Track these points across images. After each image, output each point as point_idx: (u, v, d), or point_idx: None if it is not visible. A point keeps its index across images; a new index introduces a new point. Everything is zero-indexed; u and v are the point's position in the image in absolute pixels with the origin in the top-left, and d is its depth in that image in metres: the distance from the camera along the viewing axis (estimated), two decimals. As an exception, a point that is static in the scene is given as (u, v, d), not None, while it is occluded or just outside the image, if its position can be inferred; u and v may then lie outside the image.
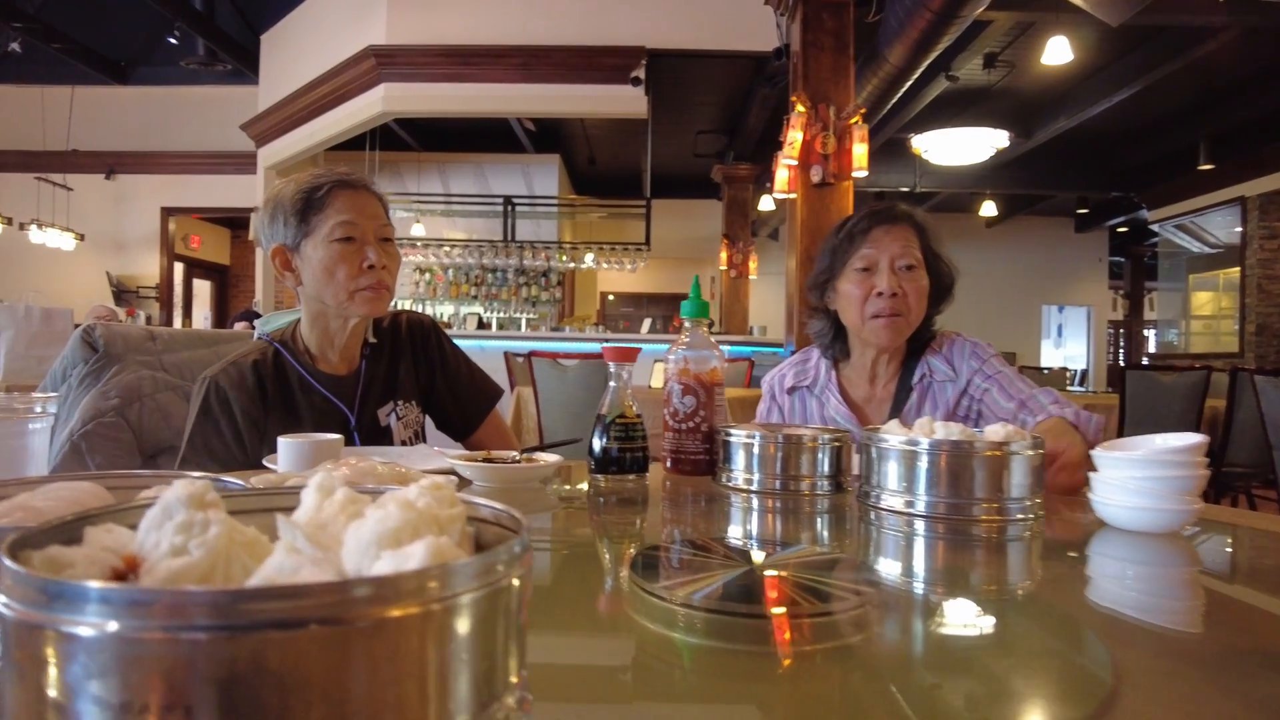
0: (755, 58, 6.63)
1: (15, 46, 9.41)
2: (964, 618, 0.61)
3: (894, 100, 6.62)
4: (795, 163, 5.13)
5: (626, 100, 6.74)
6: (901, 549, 0.83)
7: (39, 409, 0.83)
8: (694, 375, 1.08)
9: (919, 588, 0.69)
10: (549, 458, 1.09)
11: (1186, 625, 0.63)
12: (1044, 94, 8.28)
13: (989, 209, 10.71)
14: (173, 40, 9.16)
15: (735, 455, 1.04)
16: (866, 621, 0.56)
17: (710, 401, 1.08)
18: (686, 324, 1.13)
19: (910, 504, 0.91)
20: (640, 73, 6.64)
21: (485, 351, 7.12)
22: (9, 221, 9.53)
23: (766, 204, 9.53)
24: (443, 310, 10.10)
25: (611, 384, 1.06)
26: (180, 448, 1.41)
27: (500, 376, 6.11)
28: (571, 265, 9.34)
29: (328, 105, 7.62)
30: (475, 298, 10.00)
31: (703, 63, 7.08)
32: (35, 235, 9.57)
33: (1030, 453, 0.90)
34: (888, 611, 0.59)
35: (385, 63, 6.85)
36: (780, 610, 0.55)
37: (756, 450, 1.02)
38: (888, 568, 0.76)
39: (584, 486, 1.11)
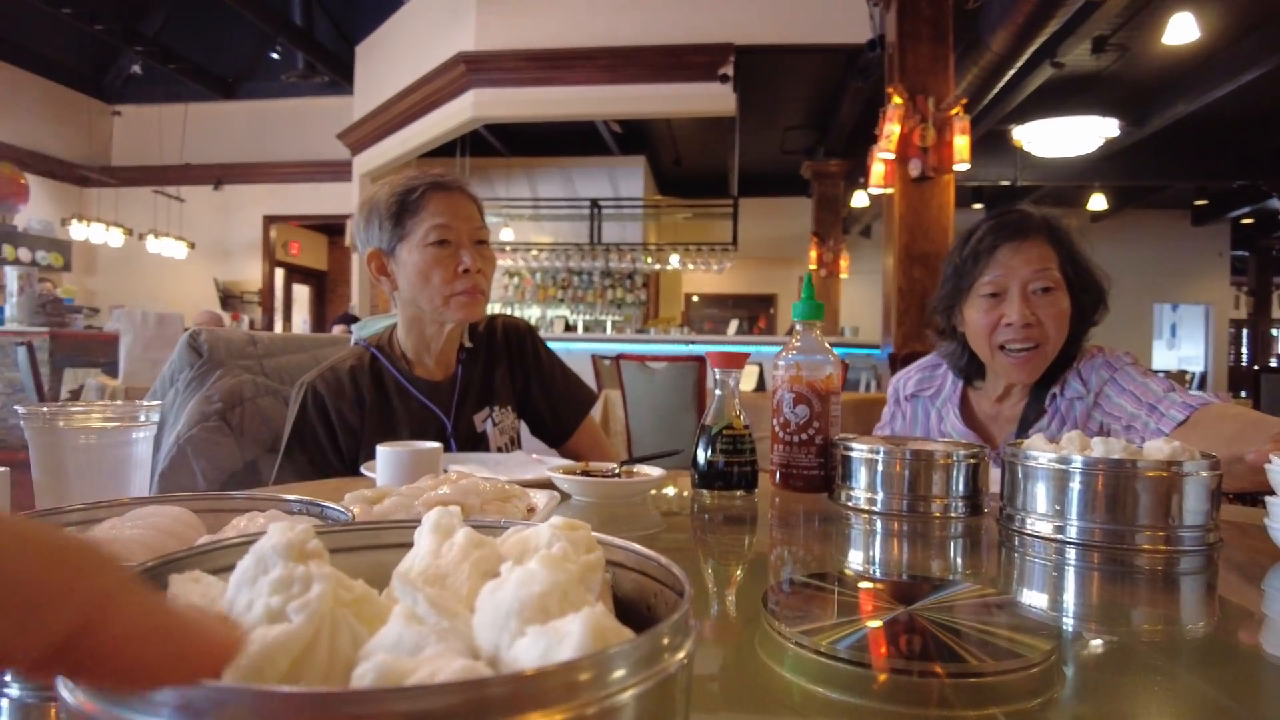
0: (847, 50, 6.43)
1: (137, 69, 10.02)
2: (1150, 672, 0.52)
3: (995, 90, 6.33)
4: (892, 156, 4.96)
5: (714, 98, 6.65)
6: (1052, 582, 0.73)
7: (142, 417, 0.81)
8: (807, 383, 0.99)
9: (1097, 633, 0.59)
10: (651, 471, 1.02)
11: None
12: (1160, 78, 7.76)
13: (1097, 202, 10.14)
14: (275, 56, 9.58)
15: (856, 471, 0.95)
16: (1045, 682, 0.47)
17: (825, 411, 0.99)
18: (798, 326, 1.04)
19: (1061, 530, 0.80)
20: (728, 70, 6.53)
21: (572, 354, 7.11)
22: (129, 232, 10.12)
23: (859, 200, 9.27)
24: (530, 313, 10.22)
25: (717, 392, 0.98)
26: (279, 452, 1.41)
27: (588, 379, 6.11)
28: (657, 267, 9.31)
29: (419, 112, 7.80)
30: (562, 300, 10.08)
31: (792, 57, 6.93)
32: (152, 244, 10.14)
33: (1205, 474, 0.78)
34: (1070, 665, 0.50)
35: (474, 69, 6.94)
36: (946, 666, 0.47)
37: (881, 467, 0.92)
38: (1054, 608, 0.66)
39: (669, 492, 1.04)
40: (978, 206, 10.93)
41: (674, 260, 9.09)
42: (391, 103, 8.06)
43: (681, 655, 0.26)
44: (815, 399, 0.99)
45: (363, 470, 1.02)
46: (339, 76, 9.35)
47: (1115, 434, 1.31)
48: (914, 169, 4.93)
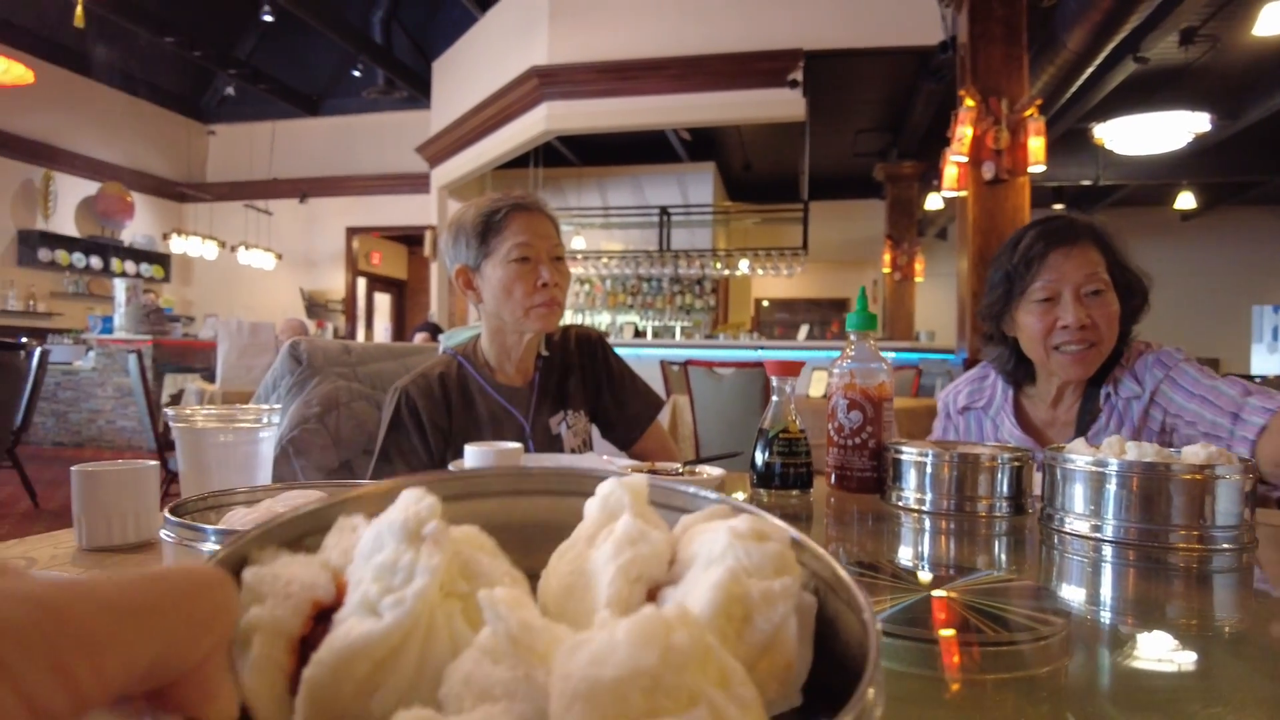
0: (918, 52, 6.37)
1: (230, 90, 10.60)
2: (1161, 655, 0.57)
3: (1073, 88, 6.18)
4: (965, 159, 4.91)
5: (783, 104, 6.67)
6: (1089, 576, 0.78)
7: (265, 419, 0.93)
8: (861, 390, 1.06)
9: (1112, 618, 0.65)
10: (712, 471, 1.10)
11: None
12: (1254, 69, 7.43)
13: (1185, 201, 9.74)
14: (356, 73, 10.01)
15: (906, 473, 1.01)
16: (1054, 653, 0.53)
17: (878, 417, 1.06)
18: (852, 336, 1.11)
19: (1098, 529, 0.85)
20: (798, 75, 6.55)
21: (641, 360, 7.24)
22: (223, 244, 10.71)
23: (934, 203, 9.13)
24: (600, 319, 10.37)
25: (774, 398, 1.06)
26: (374, 452, 1.54)
27: (657, 385, 6.19)
28: (726, 272, 9.34)
29: (494, 126, 8.02)
30: (631, 307, 10.20)
31: (862, 61, 6.89)
32: (243, 256, 10.70)
33: (1239, 477, 0.82)
34: (1078, 644, 0.56)
35: (547, 82, 7.11)
36: (950, 633, 0.54)
37: (930, 469, 0.98)
38: (1075, 595, 0.72)
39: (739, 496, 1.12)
40: (1058, 207, 10.62)
41: (743, 265, 9.10)
42: (467, 117, 8.31)
43: None
44: (869, 405, 1.06)
45: (450, 468, 1.13)
46: (417, 92, 9.71)
47: (1183, 435, 1.33)
48: (987, 172, 4.87)
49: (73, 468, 0.80)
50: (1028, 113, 4.86)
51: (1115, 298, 1.38)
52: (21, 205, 9.29)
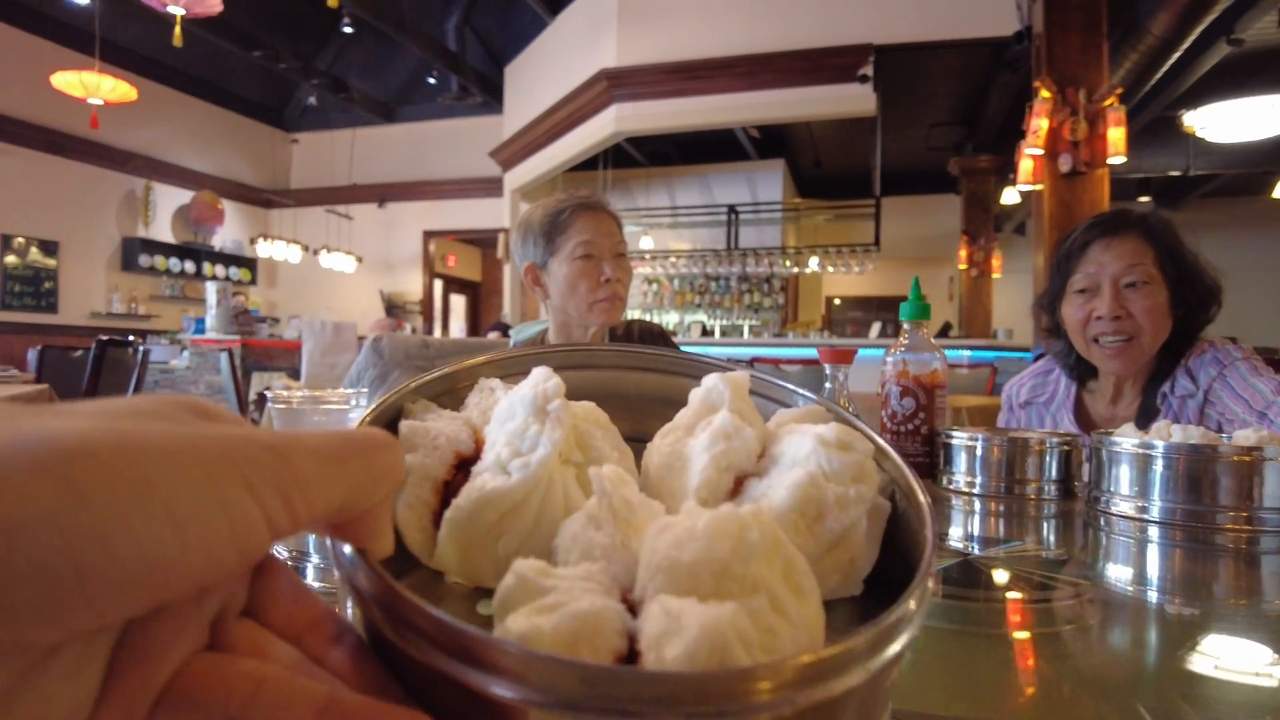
0: (992, 44, 6.23)
1: (312, 100, 11.06)
2: (1207, 631, 0.59)
3: (1158, 75, 5.94)
4: (1040, 152, 4.79)
5: (854, 99, 6.60)
6: (1133, 555, 0.80)
7: (353, 403, 1.02)
8: (913, 377, 1.09)
9: (1146, 591, 0.67)
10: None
11: None
12: (1359, 50, 7.01)
13: (1285, 189, 9.25)
14: (431, 80, 10.30)
15: (956, 458, 1.04)
16: (1080, 615, 0.56)
17: (930, 404, 1.09)
18: (906, 326, 1.14)
19: (1144, 510, 0.87)
20: (868, 70, 6.47)
21: (679, 352, 7.22)
22: (306, 248, 11.16)
23: (1010, 197, 8.89)
24: (668, 319, 10.41)
25: (827, 385, 1.10)
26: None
27: (725, 381, 6.18)
28: (795, 270, 9.27)
29: (564, 129, 8.14)
30: (699, 306, 10.20)
31: (934, 54, 6.77)
32: (325, 259, 11.12)
33: (1292, 460, 0.83)
34: (1107, 608, 0.59)
35: (616, 84, 7.19)
36: (987, 593, 0.58)
37: (980, 453, 1.01)
38: (1120, 574, 0.74)
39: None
40: (1144, 200, 10.21)
41: (813, 263, 9.02)
42: (538, 121, 8.46)
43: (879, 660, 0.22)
44: (921, 392, 1.09)
45: None
46: (490, 97, 9.94)
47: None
48: (1064, 164, 4.74)
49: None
50: (1107, 102, 4.72)
51: (1162, 290, 1.35)
52: (125, 214, 9.89)
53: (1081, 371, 1.50)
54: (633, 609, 0.24)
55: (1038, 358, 1.69)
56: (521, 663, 0.19)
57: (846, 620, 0.32)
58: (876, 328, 9.15)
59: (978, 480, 1.02)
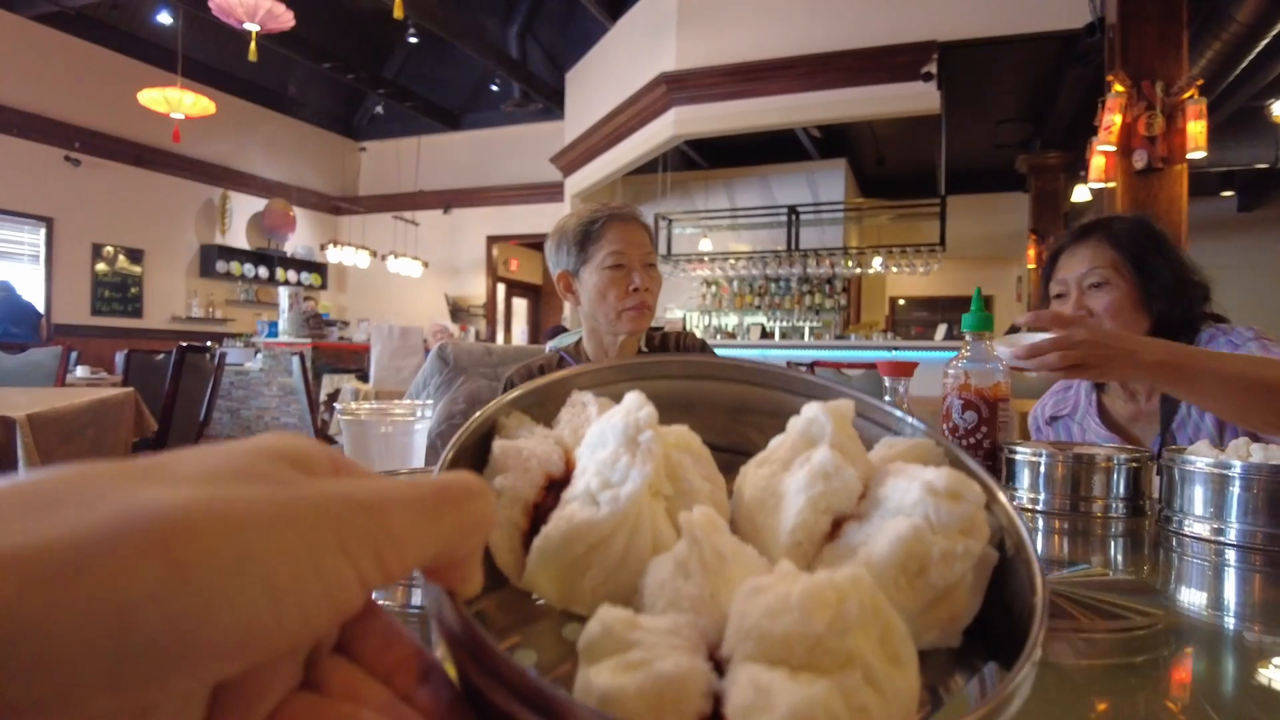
0: (1063, 37, 6.03)
1: (379, 109, 11.35)
2: (1275, 655, 0.57)
3: (1243, 64, 5.68)
4: (1113, 149, 4.63)
5: (917, 97, 6.46)
6: (1208, 579, 0.78)
7: (419, 413, 1.05)
8: (975, 390, 1.07)
9: (1224, 620, 0.65)
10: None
11: None
12: None
13: (1383, 181, 8.74)
14: (494, 87, 10.47)
15: (1020, 473, 1.02)
16: (1153, 645, 0.55)
17: (993, 418, 1.07)
18: (968, 337, 1.12)
19: (1219, 531, 0.84)
20: (931, 68, 6.34)
21: (768, 361, 7.14)
22: (374, 254, 11.46)
23: (1081, 194, 8.60)
24: (727, 321, 10.34)
25: (887, 398, 1.09)
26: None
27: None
28: (857, 271, 9.11)
29: (624, 134, 8.17)
30: (759, 308, 10.11)
31: (1001, 49, 6.59)
32: (392, 265, 11.40)
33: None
34: (1181, 638, 0.57)
35: (675, 88, 7.18)
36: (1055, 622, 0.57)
37: (1044, 469, 0.99)
38: (1194, 598, 0.72)
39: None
40: (1227, 194, 9.78)
41: (876, 263, 8.85)
42: (598, 125, 8.51)
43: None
44: (983, 405, 1.07)
45: None
46: (551, 103, 10.06)
47: None
48: (1139, 160, 4.57)
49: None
50: (1187, 94, 4.53)
51: (1124, 287, 1.42)
52: (203, 222, 10.31)
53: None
54: (719, 665, 0.23)
55: None
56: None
57: (940, 670, 0.31)
58: (942, 330, 8.93)
59: (1042, 497, 1.00)
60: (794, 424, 0.34)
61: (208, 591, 0.16)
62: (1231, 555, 0.82)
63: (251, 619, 0.17)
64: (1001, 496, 0.34)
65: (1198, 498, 0.86)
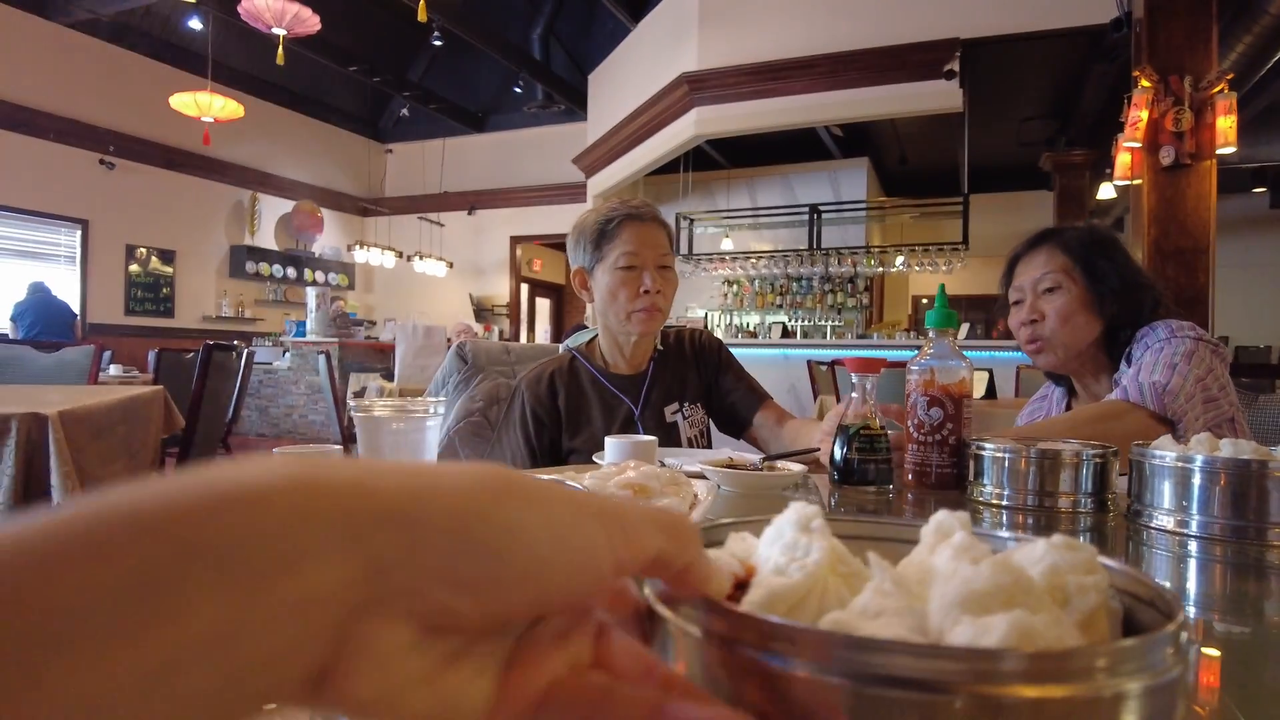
0: (1088, 33, 5.92)
1: (405, 112, 11.46)
2: (1257, 649, 0.56)
3: (1277, 57, 5.54)
4: (1139, 145, 4.53)
5: (939, 95, 6.39)
6: (1174, 571, 0.76)
7: (433, 410, 1.06)
8: (941, 387, 1.06)
9: (1188, 607, 0.63)
10: (792, 466, 1.13)
11: None
12: None
13: None
14: (517, 89, 10.52)
15: (987, 469, 1.00)
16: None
17: (959, 413, 1.05)
18: (931, 333, 1.10)
19: (1184, 524, 0.82)
20: (954, 66, 6.26)
21: (789, 360, 7.13)
22: (400, 254, 11.57)
23: (1107, 192, 8.45)
24: (748, 320, 10.30)
25: (853, 395, 1.08)
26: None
27: (804, 385, 6.09)
28: (880, 269, 9.02)
29: (646, 134, 8.17)
30: (780, 307, 10.06)
31: (1024, 46, 6.49)
32: (417, 265, 11.51)
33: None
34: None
35: (697, 88, 7.17)
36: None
37: (1008, 464, 0.97)
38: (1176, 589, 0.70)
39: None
40: (1259, 191, 9.55)
41: (899, 262, 8.75)
42: (620, 126, 8.52)
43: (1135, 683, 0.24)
44: (949, 401, 1.05)
45: (594, 459, 1.22)
46: (574, 104, 10.09)
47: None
48: (1165, 157, 4.46)
49: (274, 449, 0.95)
50: (1216, 89, 4.42)
51: (1074, 291, 1.47)
52: (233, 224, 10.49)
53: (1057, 376, 1.63)
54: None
55: None
56: (860, 646, 0.24)
57: None
58: (964, 329, 8.82)
59: (1006, 492, 0.98)
60: (926, 530, 0.37)
61: (517, 513, 0.23)
62: (1193, 546, 0.80)
63: (539, 550, 0.23)
64: (1110, 560, 0.35)
65: (1165, 491, 0.84)
